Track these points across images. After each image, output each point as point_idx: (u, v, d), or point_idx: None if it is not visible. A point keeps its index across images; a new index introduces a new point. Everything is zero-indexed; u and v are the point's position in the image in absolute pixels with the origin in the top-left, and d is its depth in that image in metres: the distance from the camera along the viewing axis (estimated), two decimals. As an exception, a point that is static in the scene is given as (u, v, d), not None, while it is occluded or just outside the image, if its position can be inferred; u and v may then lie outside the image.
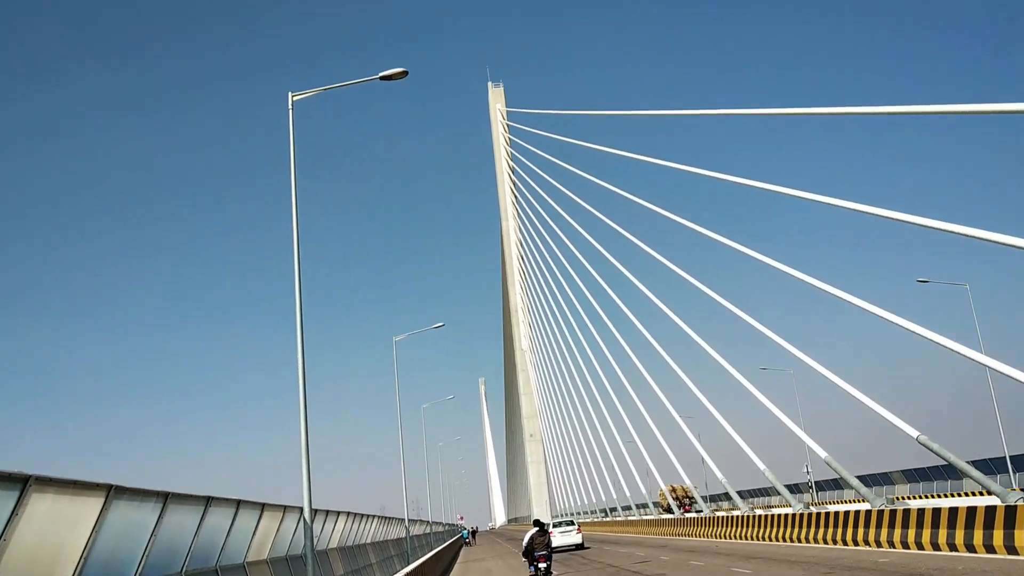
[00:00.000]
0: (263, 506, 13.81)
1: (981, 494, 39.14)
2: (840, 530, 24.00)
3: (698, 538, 37.20)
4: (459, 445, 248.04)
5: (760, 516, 31.01)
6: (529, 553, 20.51)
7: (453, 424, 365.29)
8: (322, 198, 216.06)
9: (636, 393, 46.06)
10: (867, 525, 22.49)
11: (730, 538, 33.08)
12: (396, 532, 41.46)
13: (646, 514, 57.01)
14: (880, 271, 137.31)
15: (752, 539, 30.60)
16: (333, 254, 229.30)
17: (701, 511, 43.86)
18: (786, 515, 28.20)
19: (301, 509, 14.91)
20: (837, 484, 53.44)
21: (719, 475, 37.11)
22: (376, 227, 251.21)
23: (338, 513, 21.73)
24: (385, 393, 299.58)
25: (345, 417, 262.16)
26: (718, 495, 79.31)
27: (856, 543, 22.80)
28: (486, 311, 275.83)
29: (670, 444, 42.05)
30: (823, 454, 26.67)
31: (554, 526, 41.60)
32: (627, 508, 61.68)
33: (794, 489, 64.52)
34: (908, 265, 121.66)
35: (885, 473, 52.07)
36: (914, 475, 49.37)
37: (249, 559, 13.39)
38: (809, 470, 59.42)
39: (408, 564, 31.42)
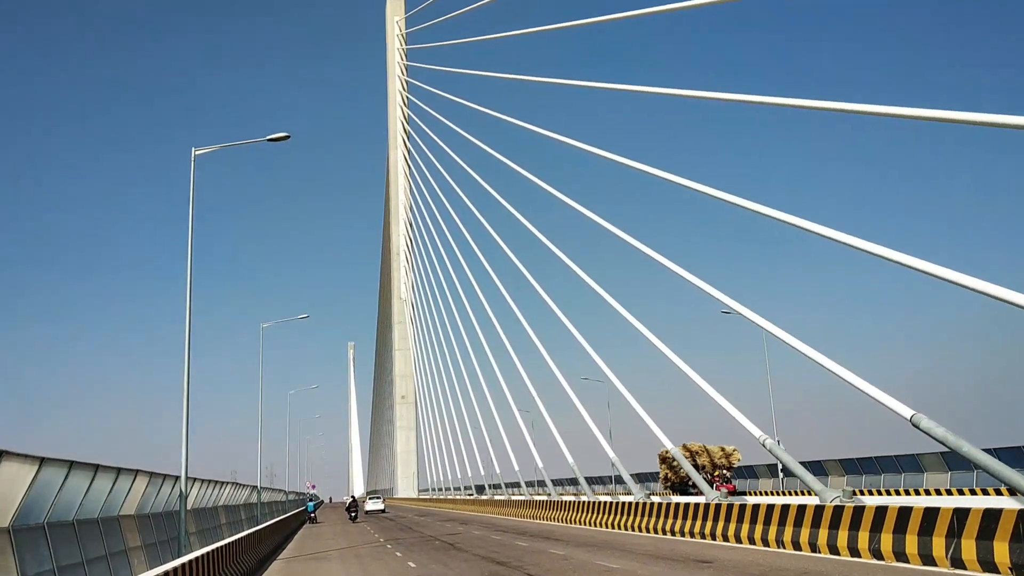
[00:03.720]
0: None
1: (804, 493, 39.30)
2: (679, 521, 23.88)
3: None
4: (320, 408, 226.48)
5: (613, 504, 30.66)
6: (347, 510, 52.57)
7: (318, 394, 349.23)
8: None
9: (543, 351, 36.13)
10: (704, 518, 22.41)
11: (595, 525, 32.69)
12: (229, 497, 36.01)
13: (566, 494, 43.75)
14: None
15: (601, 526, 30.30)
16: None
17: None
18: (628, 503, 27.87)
19: None
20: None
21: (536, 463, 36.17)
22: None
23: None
24: (249, 377, 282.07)
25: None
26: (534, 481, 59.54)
27: (693, 535, 22.68)
28: (361, 270, 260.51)
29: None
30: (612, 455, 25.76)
31: (369, 498, 65.41)
32: (537, 484, 51.80)
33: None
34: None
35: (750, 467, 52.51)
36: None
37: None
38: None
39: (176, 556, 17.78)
